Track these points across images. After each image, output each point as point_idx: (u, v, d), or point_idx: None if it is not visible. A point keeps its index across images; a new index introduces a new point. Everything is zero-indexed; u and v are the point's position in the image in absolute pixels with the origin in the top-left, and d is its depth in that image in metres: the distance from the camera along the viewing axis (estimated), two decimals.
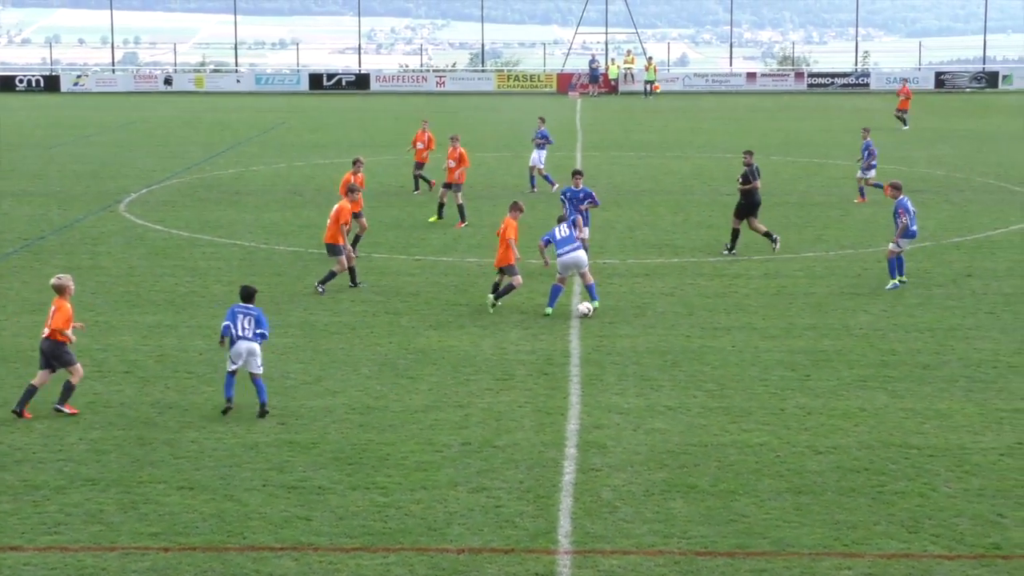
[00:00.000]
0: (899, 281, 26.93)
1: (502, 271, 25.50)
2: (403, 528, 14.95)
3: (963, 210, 37.49)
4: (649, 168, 47.53)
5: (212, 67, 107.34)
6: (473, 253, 31.27)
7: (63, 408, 19.00)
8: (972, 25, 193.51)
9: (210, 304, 25.89)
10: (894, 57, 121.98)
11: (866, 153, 38.44)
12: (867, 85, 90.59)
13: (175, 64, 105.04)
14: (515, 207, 26.05)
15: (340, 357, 22.20)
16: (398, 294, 26.99)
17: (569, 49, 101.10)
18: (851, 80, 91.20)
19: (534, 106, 77.55)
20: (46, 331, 18.94)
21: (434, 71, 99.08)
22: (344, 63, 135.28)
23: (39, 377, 19.03)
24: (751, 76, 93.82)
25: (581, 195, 28.81)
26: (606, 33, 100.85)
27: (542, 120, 42.91)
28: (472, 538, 14.69)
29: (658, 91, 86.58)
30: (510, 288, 25.41)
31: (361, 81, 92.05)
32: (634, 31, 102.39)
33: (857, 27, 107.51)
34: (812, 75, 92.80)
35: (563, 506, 15.56)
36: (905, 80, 77.96)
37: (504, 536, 14.74)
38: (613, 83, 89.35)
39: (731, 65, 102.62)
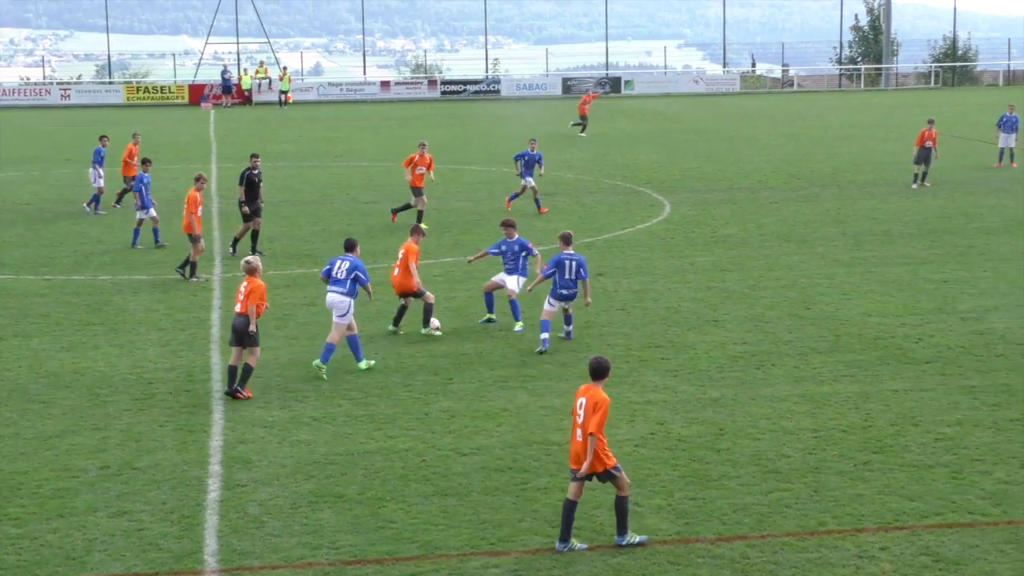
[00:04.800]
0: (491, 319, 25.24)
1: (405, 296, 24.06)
2: (39, 560, 14.31)
3: (593, 211, 38.79)
4: (286, 178, 47.17)
5: None
6: (106, 271, 30.32)
7: (242, 392, 20.15)
8: (595, 32, 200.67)
9: None
10: (523, 64, 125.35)
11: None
12: (498, 92, 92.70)
13: None
14: (416, 231, 24.36)
15: None
16: (27, 316, 25.88)
17: (200, 59, 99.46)
18: (483, 87, 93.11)
19: (165, 118, 75.90)
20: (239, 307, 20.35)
21: (58, 84, 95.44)
22: None
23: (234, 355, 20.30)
24: (385, 84, 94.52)
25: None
26: (237, 43, 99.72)
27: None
28: (114, 564, 14.19)
29: (291, 101, 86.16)
30: (427, 308, 23.97)
31: None
32: (266, 40, 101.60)
33: (486, 35, 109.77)
34: (445, 83, 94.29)
35: (209, 524, 15.24)
36: (587, 88, 77.16)
37: (148, 560, 14.31)
38: (247, 93, 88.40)
39: (365, 74, 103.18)
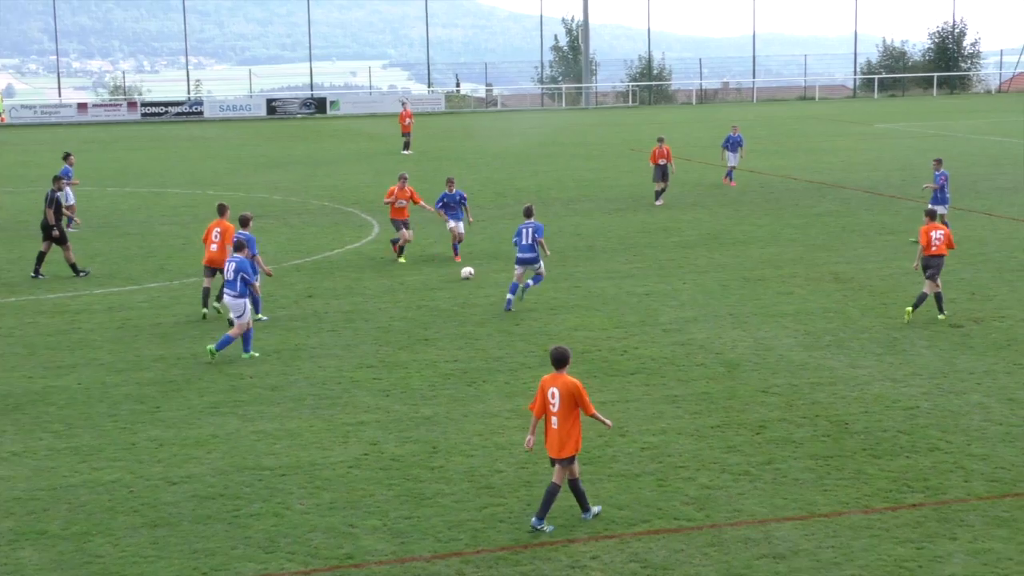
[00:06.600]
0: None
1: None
2: None
3: (301, 232, 38.51)
4: None
5: None
6: None
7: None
8: (299, 53, 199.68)
9: None
10: (227, 85, 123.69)
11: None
12: (201, 113, 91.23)
13: None
14: (224, 209, 26.33)
15: None
16: None
17: None
18: (185, 109, 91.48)
19: None
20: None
21: None
22: None
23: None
24: (82, 107, 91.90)
25: None
26: None
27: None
28: None
29: (5, 122, 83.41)
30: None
31: None
32: None
33: (187, 56, 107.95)
34: (145, 104, 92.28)
35: None
36: (404, 102, 74.63)
37: None
38: None
39: (60, 96, 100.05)
